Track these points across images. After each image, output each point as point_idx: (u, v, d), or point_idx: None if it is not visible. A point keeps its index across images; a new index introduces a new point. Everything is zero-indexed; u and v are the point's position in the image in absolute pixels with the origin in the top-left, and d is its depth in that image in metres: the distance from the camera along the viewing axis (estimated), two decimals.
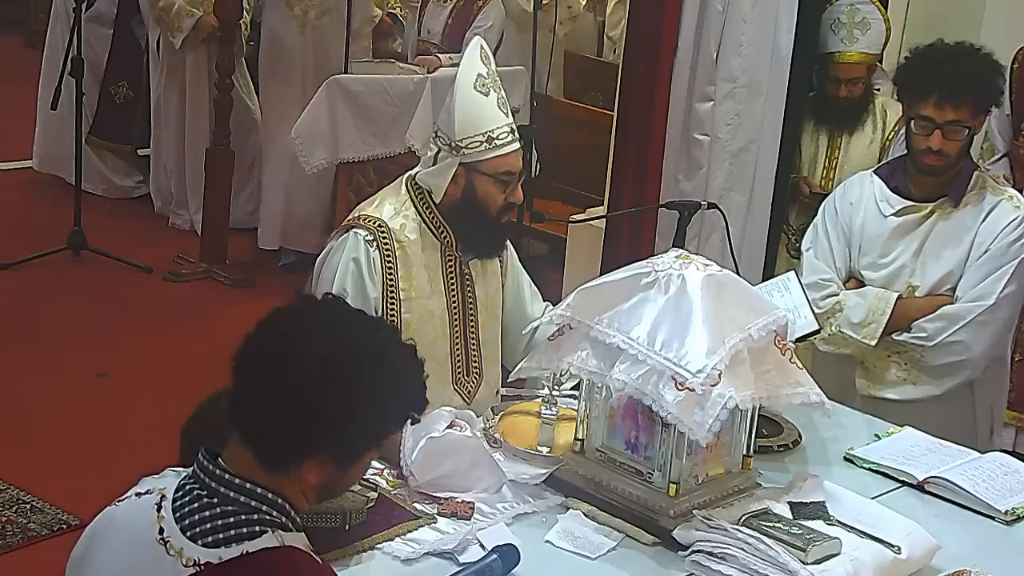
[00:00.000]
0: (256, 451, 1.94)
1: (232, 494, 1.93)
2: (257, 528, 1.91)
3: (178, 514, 1.94)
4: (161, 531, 1.93)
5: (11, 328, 5.63)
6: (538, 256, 6.09)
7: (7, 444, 4.62)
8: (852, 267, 3.72)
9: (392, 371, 1.98)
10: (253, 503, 1.93)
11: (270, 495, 1.94)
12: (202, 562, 1.88)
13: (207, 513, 1.92)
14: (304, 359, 1.92)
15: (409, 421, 2.07)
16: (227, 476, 1.94)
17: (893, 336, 3.59)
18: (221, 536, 1.90)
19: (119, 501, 2.05)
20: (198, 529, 1.91)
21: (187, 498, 1.95)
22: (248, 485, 1.93)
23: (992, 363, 3.70)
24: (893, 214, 3.64)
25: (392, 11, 6.97)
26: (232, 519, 1.91)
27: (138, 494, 2.02)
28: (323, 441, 1.94)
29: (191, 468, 1.99)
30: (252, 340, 1.97)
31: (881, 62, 4.73)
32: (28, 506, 4.23)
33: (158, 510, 1.95)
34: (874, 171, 3.76)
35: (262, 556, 1.89)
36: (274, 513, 1.94)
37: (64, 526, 4.13)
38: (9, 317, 5.75)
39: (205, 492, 1.94)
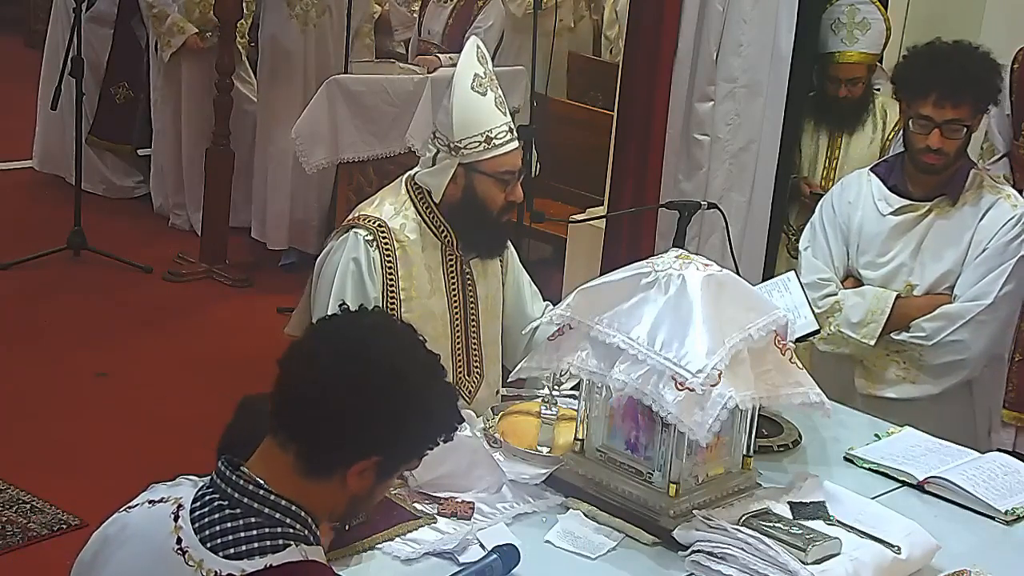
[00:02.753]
0: (299, 454, 1.92)
1: (256, 505, 1.91)
2: (281, 541, 1.89)
3: (197, 524, 1.91)
4: (179, 541, 1.90)
5: (11, 328, 5.63)
6: (538, 256, 6.09)
7: (7, 444, 4.62)
8: (850, 266, 3.72)
9: (443, 386, 2.01)
10: (277, 515, 1.91)
11: (293, 507, 1.92)
12: (224, 574, 1.86)
13: (229, 524, 1.90)
14: (377, 360, 1.92)
15: (443, 439, 2.05)
16: (250, 487, 1.91)
17: (892, 335, 3.59)
18: (244, 548, 1.87)
19: (130, 508, 2.02)
20: (219, 540, 1.89)
21: (206, 508, 1.92)
22: (272, 497, 1.91)
23: (991, 362, 3.70)
24: (891, 213, 3.63)
25: None
26: (256, 531, 1.89)
27: (151, 501, 1.99)
28: (379, 444, 1.93)
29: (208, 477, 1.97)
30: (316, 340, 1.98)
31: (881, 62, 4.73)
32: (28, 506, 4.23)
33: (175, 519, 1.92)
34: (871, 169, 3.75)
35: (286, 570, 1.87)
36: (297, 526, 1.92)
37: (64, 526, 4.13)
38: (9, 317, 5.75)
39: (227, 503, 1.91)
